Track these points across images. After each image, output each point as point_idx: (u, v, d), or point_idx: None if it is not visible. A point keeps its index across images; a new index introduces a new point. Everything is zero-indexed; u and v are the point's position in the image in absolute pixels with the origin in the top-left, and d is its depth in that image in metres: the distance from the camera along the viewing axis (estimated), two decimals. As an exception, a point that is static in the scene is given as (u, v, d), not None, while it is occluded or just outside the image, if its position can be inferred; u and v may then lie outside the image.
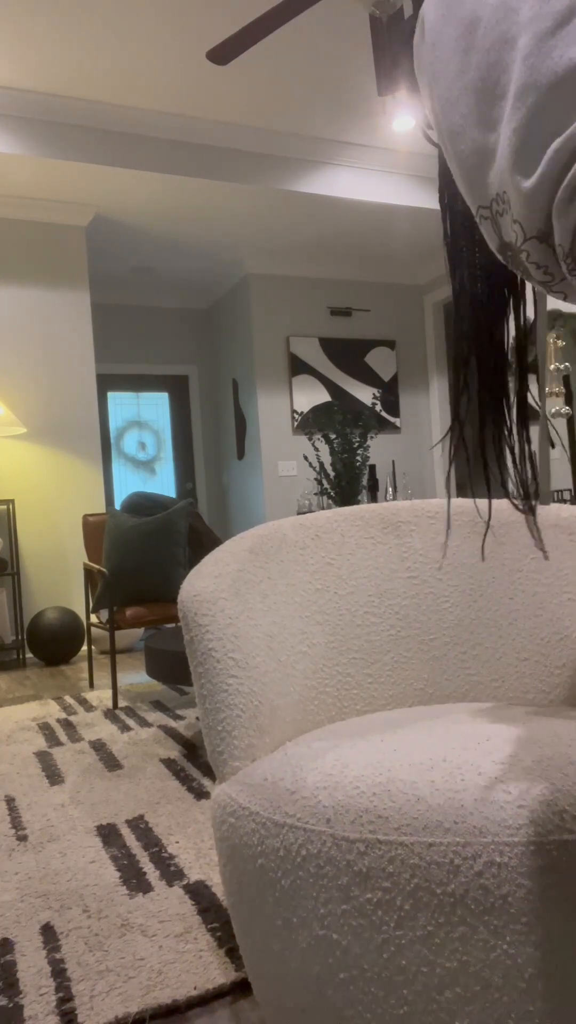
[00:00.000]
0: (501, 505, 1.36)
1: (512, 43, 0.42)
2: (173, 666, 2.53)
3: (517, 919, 0.69)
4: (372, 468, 6.11)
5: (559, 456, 6.19)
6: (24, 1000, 1.17)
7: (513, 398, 0.64)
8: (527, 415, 0.66)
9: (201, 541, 3.58)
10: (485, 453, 0.64)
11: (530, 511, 0.67)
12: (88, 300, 4.83)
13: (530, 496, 0.67)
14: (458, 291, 0.62)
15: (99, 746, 2.57)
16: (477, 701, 1.26)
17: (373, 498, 6.11)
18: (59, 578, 4.70)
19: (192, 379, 6.74)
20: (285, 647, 1.15)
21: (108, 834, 1.80)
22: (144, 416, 6.59)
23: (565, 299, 0.50)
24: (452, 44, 0.47)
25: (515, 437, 0.62)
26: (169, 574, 3.31)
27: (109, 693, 3.41)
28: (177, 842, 1.72)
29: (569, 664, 1.21)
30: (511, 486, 0.64)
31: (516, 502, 0.69)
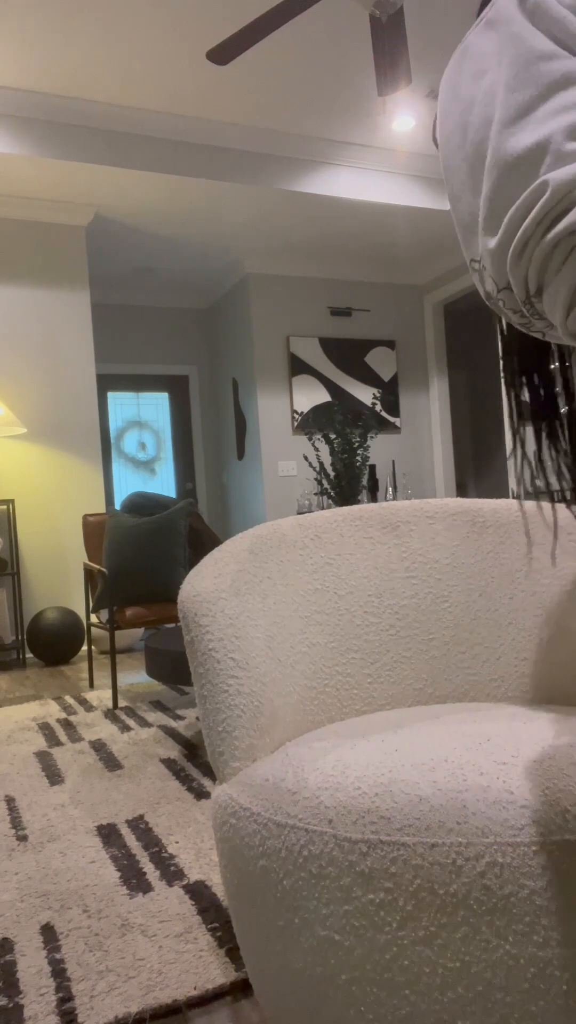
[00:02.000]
0: (500, 506, 1.36)
1: (491, 124, 0.50)
2: (173, 666, 2.53)
3: (520, 919, 0.69)
4: (372, 468, 6.11)
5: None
6: (24, 1000, 1.16)
7: (564, 415, 0.70)
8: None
9: (201, 541, 3.57)
10: (545, 468, 0.69)
11: None
12: (88, 300, 4.83)
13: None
14: (505, 330, 0.70)
15: (99, 746, 2.56)
16: (477, 701, 1.26)
17: (373, 498, 6.11)
18: (59, 578, 4.70)
19: (192, 379, 6.74)
20: (285, 647, 1.15)
21: (108, 834, 1.80)
22: (144, 416, 6.59)
23: (544, 338, 0.56)
24: (455, 120, 0.55)
25: (570, 452, 0.67)
26: (169, 574, 3.31)
27: (109, 693, 3.41)
28: (177, 842, 1.72)
29: (569, 664, 1.21)
30: (568, 495, 0.69)
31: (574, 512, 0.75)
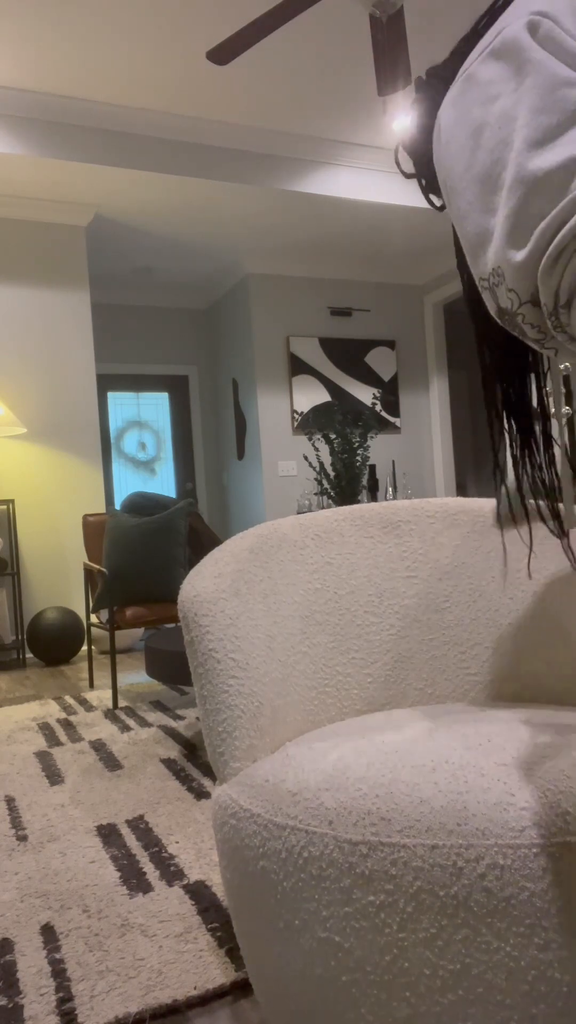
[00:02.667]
0: (504, 516, 1.36)
1: (510, 145, 0.53)
2: (173, 666, 2.53)
3: (520, 921, 0.69)
4: (372, 468, 6.11)
5: (559, 456, 6.15)
6: (24, 1000, 1.16)
7: (540, 442, 0.74)
8: (553, 456, 0.75)
9: (201, 541, 3.57)
10: (521, 488, 0.73)
11: (563, 535, 0.78)
12: (88, 300, 4.82)
13: (562, 522, 0.78)
14: (486, 362, 0.73)
15: (99, 746, 2.56)
16: (477, 701, 1.26)
17: (373, 498, 6.11)
18: (59, 578, 4.70)
19: (192, 379, 6.74)
20: (285, 647, 1.15)
21: (108, 834, 1.80)
22: (144, 416, 6.59)
23: (556, 355, 0.59)
24: (462, 143, 0.57)
25: (545, 474, 0.70)
26: (169, 574, 3.30)
27: (109, 693, 3.41)
28: (177, 842, 1.72)
29: (569, 664, 1.21)
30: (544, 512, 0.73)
31: (551, 528, 0.78)
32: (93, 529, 3.60)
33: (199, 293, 6.62)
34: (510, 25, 0.53)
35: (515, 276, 0.53)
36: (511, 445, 0.73)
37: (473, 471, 7.86)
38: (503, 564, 1.30)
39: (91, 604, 3.76)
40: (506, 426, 0.73)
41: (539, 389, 0.74)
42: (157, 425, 6.64)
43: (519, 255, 0.52)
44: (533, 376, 0.74)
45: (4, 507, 4.54)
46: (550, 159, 0.50)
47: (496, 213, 0.54)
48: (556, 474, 0.73)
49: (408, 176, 0.81)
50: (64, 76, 3.92)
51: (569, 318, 0.52)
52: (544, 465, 0.73)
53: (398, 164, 0.73)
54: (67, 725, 2.88)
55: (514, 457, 0.72)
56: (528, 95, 0.51)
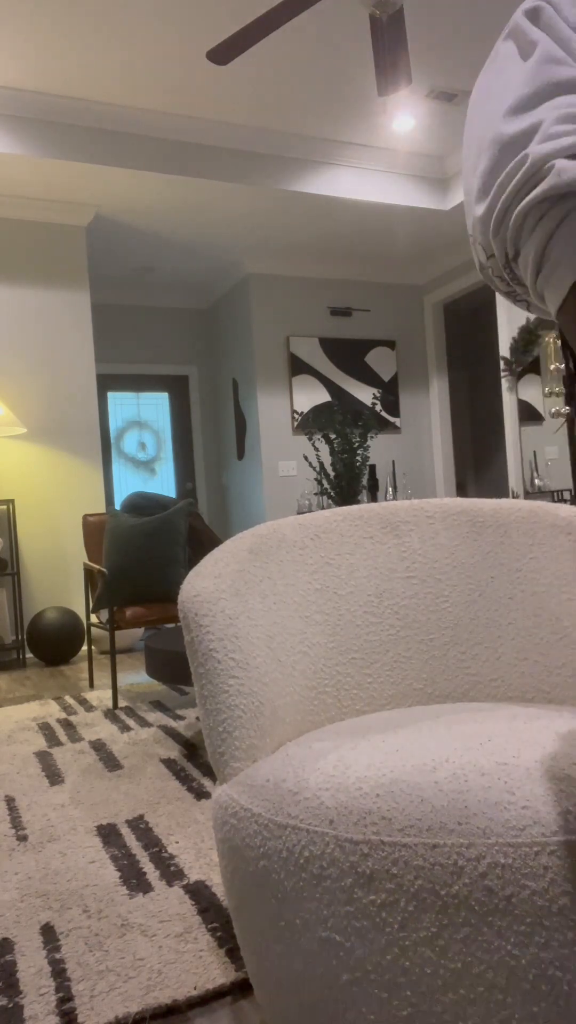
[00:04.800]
0: (500, 506, 1.36)
1: (497, 112, 0.57)
2: (173, 666, 2.53)
3: (521, 920, 0.69)
4: (372, 468, 6.11)
5: (558, 456, 6.18)
6: (24, 1000, 1.16)
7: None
8: None
9: (201, 541, 3.57)
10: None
11: None
12: (88, 300, 4.82)
13: None
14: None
15: (99, 746, 2.56)
16: (477, 701, 1.26)
17: (373, 498, 6.11)
18: (59, 578, 4.70)
19: (192, 379, 6.74)
20: (285, 647, 1.15)
21: (108, 834, 1.80)
22: (144, 416, 6.59)
23: (528, 309, 0.60)
24: (478, 109, 0.61)
25: None
26: (169, 574, 3.30)
27: (109, 693, 3.41)
28: (177, 842, 1.72)
29: (569, 664, 1.21)
30: None
31: None
32: (93, 529, 3.60)
33: (199, 293, 6.62)
34: (517, 10, 0.58)
35: (477, 230, 0.57)
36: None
37: (473, 471, 7.87)
38: (502, 564, 1.30)
39: (91, 604, 3.76)
40: None
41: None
42: (157, 425, 6.64)
43: (480, 209, 0.56)
44: None
45: (4, 507, 4.54)
46: (518, 124, 0.53)
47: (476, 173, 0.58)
48: None
49: None
50: (64, 76, 3.92)
51: (519, 270, 0.55)
52: None
53: None
54: (67, 725, 2.88)
55: None
56: (521, 71, 0.55)
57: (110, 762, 2.37)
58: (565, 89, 0.52)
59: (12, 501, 4.39)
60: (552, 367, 5.14)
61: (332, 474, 5.69)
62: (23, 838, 1.82)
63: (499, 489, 7.48)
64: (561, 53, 0.54)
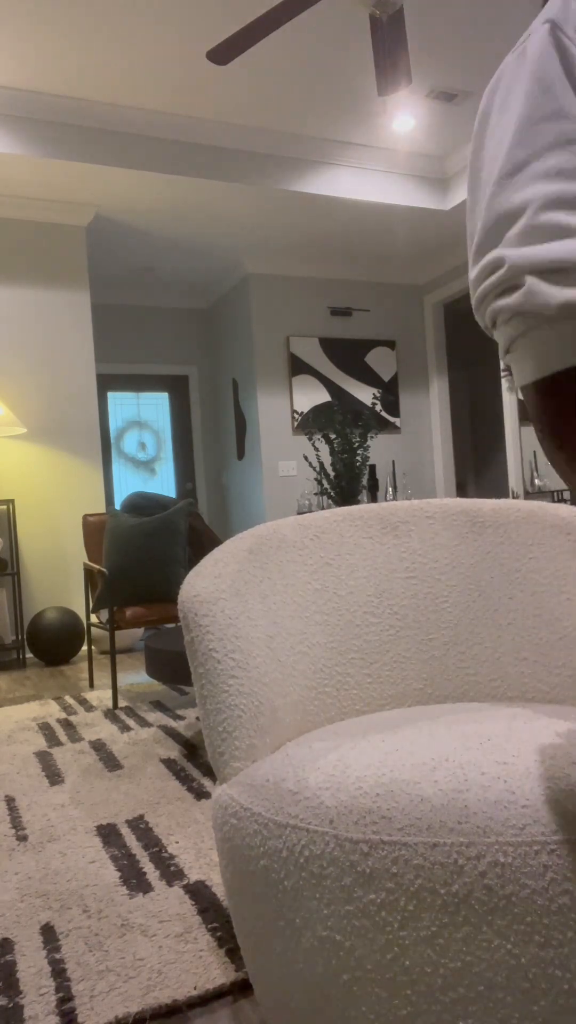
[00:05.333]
0: (500, 506, 1.36)
1: (495, 171, 0.58)
2: (173, 666, 2.53)
3: (521, 919, 0.69)
4: (372, 468, 6.11)
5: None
6: (24, 1000, 1.16)
7: None
8: None
9: (201, 541, 3.57)
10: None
11: None
12: (88, 300, 4.82)
13: None
14: None
15: (99, 746, 2.56)
16: (477, 701, 1.26)
17: (373, 498, 6.11)
18: (59, 578, 4.70)
19: (192, 379, 6.74)
20: (285, 647, 1.15)
21: (108, 834, 1.80)
22: (144, 416, 6.59)
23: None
24: (483, 142, 0.62)
25: None
26: (169, 574, 3.30)
27: (109, 693, 3.41)
28: (177, 842, 1.72)
29: (569, 664, 1.21)
30: None
31: None
32: (93, 529, 3.60)
33: (199, 293, 6.62)
34: (541, 23, 0.57)
35: (471, 285, 0.61)
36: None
37: (473, 471, 7.87)
38: (502, 564, 1.30)
39: (91, 604, 3.76)
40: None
41: None
42: (157, 425, 6.64)
43: (471, 272, 0.59)
44: None
45: (4, 507, 4.54)
46: (509, 200, 0.55)
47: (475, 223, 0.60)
48: None
49: None
50: (64, 76, 3.92)
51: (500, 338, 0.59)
52: None
53: None
54: (67, 725, 2.88)
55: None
56: (514, 122, 0.55)
57: (110, 762, 2.37)
58: (555, 146, 0.53)
59: (12, 501, 4.39)
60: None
61: (332, 474, 5.69)
62: (23, 838, 1.82)
63: (499, 489, 7.48)
64: (557, 103, 0.54)
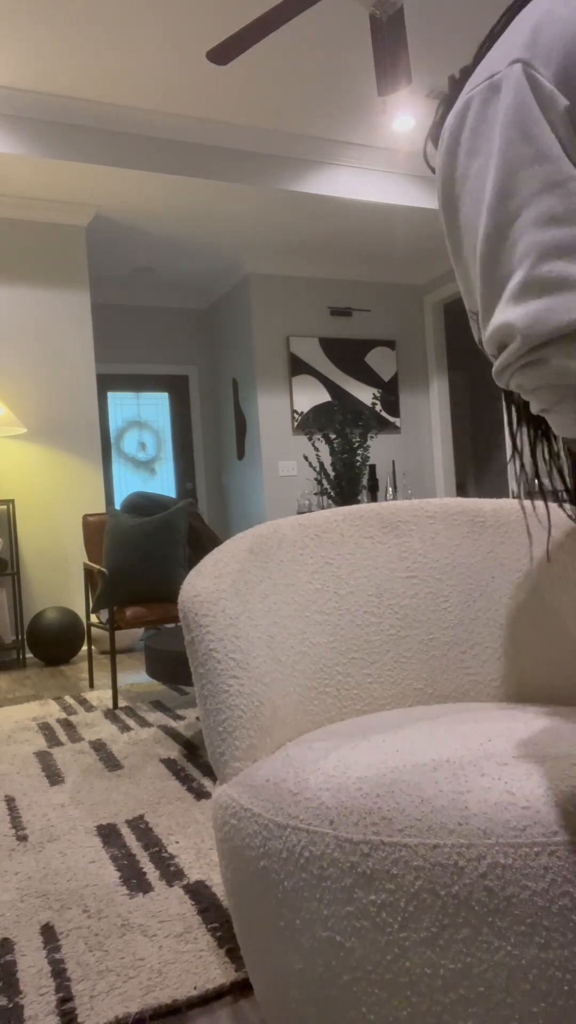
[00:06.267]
0: (500, 506, 1.36)
1: (481, 220, 0.55)
2: (173, 666, 2.53)
3: (521, 921, 0.69)
4: (372, 468, 6.11)
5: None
6: (24, 1000, 1.16)
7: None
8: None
9: (201, 541, 3.57)
10: (539, 473, 0.73)
11: None
12: (88, 300, 4.82)
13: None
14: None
15: (99, 746, 2.56)
16: (477, 701, 1.26)
17: (373, 498, 6.11)
18: (59, 578, 4.70)
19: (192, 379, 6.74)
20: (285, 647, 1.15)
21: (108, 834, 1.80)
22: (144, 416, 6.59)
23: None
24: (453, 177, 0.58)
25: (562, 457, 0.71)
26: (169, 574, 3.30)
27: (109, 693, 3.41)
28: (177, 842, 1.72)
29: (569, 664, 1.21)
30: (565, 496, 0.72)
31: (569, 513, 0.81)
32: (93, 529, 3.60)
33: (199, 293, 6.62)
34: (506, 76, 0.53)
35: (479, 332, 0.58)
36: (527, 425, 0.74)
37: (473, 471, 7.86)
38: (503, 564, 1.30)
39: (91, 604, 3.76)
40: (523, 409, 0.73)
41: None
42: (157, 425, 6.64)
43: (484, 334, 0.56)
44: None
45: (4, 507, 4.54)
46: (505, 266, 0.52)
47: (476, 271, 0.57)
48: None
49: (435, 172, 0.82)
50: (64, 76, 3.92)
51: (530, 402, 0.56)
52: (560, 451, 0.73)
53: (426, 159, 0.73)
54: (67, 725, 2.88)
55: (531, 437, 0.73)
56: (494, 172, 0.52)
57: (110, 762, 2.37)
58: (541, 191, 0.50)
59: (12, 501, 4.39)
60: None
61: (332, 474, 5.69)
62: (23, 838, 1.82)
63: (499, 489, 7.48)
64: (532, 148, 0.51)
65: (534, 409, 0.56)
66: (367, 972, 0.75)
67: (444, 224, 0.60)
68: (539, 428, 0.72)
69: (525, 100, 0.51)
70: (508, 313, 0.51)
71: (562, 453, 0.72)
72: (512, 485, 5.36)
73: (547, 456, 0.72)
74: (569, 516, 0.79)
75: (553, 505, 1.30)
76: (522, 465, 0.74)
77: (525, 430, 0.72)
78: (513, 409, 0.72)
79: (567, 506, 0.79)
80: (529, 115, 0.51)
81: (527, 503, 1.34)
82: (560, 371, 0.49)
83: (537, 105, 0.50)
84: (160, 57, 3.79)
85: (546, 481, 0.74)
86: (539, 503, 1.32)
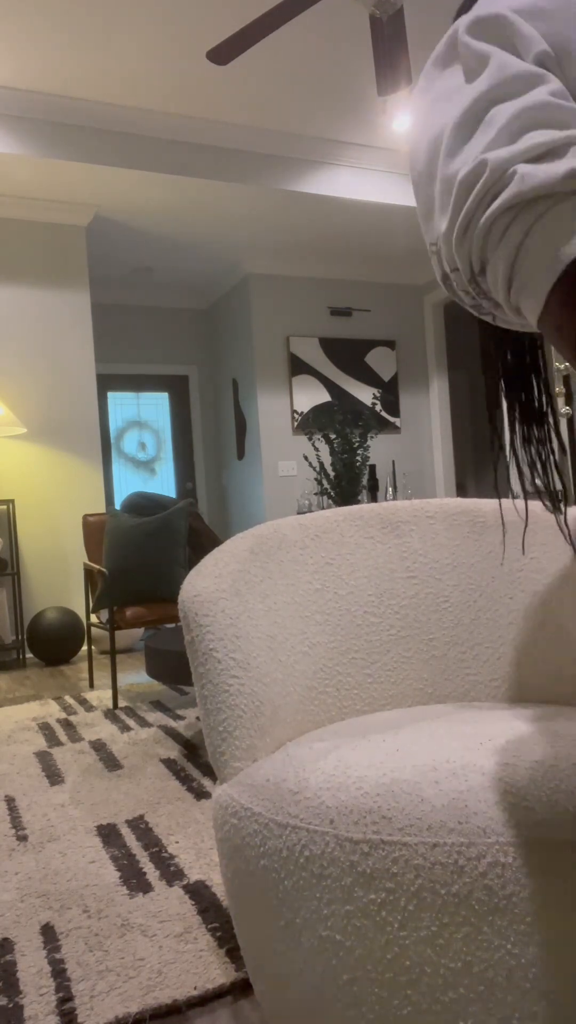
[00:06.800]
0: (504, 505, 1.36)
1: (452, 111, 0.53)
2: (173, 666, 2.53)
3: (521, 919, 0.69)
4: (372, 468, 6.11)
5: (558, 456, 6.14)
6: (24, 1000, 1.16)
7: (544, 408, 0.71)
8: (552, 423, 0.72)
9: (201, 541, 3.57)
10: (518, 460, 0.69)
11: (558, 510, 0.75)
12: (88, 300, 4.82)
13: (558, 498, 0.73)
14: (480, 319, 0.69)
15: (99, 746, 2.56)
16: (477, 701, 1.26)
17: (373, 498, 6.11)
18: (59, 578, 4.70)
19: (192, 379, 6.74)
20: (285, 647, 1.15)
21: (108, 834, 1.80)
22: (144, 416, 6.59)
23: (494, 321, 0.57)
24: (425, 106, 0.57)
25: (542, 445, 0.68)
26: (169, 574, 3.30)
27: (109, 693, 3.41)
28: (177, 842, 1.72)
29: (569, 664, 1.21)
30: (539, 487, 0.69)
31: (546, 503, 0.75)
32: (93, 529, 3.60)
33: (199, 293, 6.62)
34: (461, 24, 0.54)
35: (443, 244, 0.54)
36: (509, 420, 0.71)
37: (473, 471, 7.86)
38: (503, 564, 1.30)
39: (91, 604, 3.76)
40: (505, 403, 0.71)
41: (538, 371, 0.72)
42: (157, 425, 6.64)
43: (444, 223, 0.52)
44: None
45: (4, 507, 4.54)
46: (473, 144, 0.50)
47: (435, 179, 0.54)
48: (553, 450, 0.71)
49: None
50: (64, 76, 3.92)
51: (487, 284, 0.52)
52: (547, 438, 0.71)
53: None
54: (67, 725, 2.88)
55: (511, 429, 0.70)
56: (457, 107, 0.52)
57: (110, 762, 2.37)
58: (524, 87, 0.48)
59: (12, 501, 4.39)
60: (555, 366, 5.14)
61: (332, 474, 5.69)
62: (23, 838, 1.82)
63: (499, 489, 7.48)
64: (485, 83, 0.50)
65: (503, 291, 0.51)
66: (367, 971, 0.75)
67: (415, 159, 0.57)
68: (525, 423, 0.70)
69: (503, 25, 0.51)
70: (481, 156, 0.48)
71: (549, 443, 0.71)
72: (515, 485, 5.36)
73: (532, 453, 0.70)
74: (547, 507, 0.77)
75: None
76: (500, 448, 0.72)
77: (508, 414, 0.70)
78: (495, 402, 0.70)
79: (546, 499, 0.76)
80: (497, 34, 0.51)
81: (505, 499, 1.34)
82: (530, 176, 0.46)
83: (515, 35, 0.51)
84: (160, 57, 3.80)
85: (527, 471, 0.72)
86: (519, 501, 1.32)
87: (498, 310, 0.54)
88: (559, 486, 0.73)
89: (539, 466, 0.70)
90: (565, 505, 0.82)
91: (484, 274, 0.51)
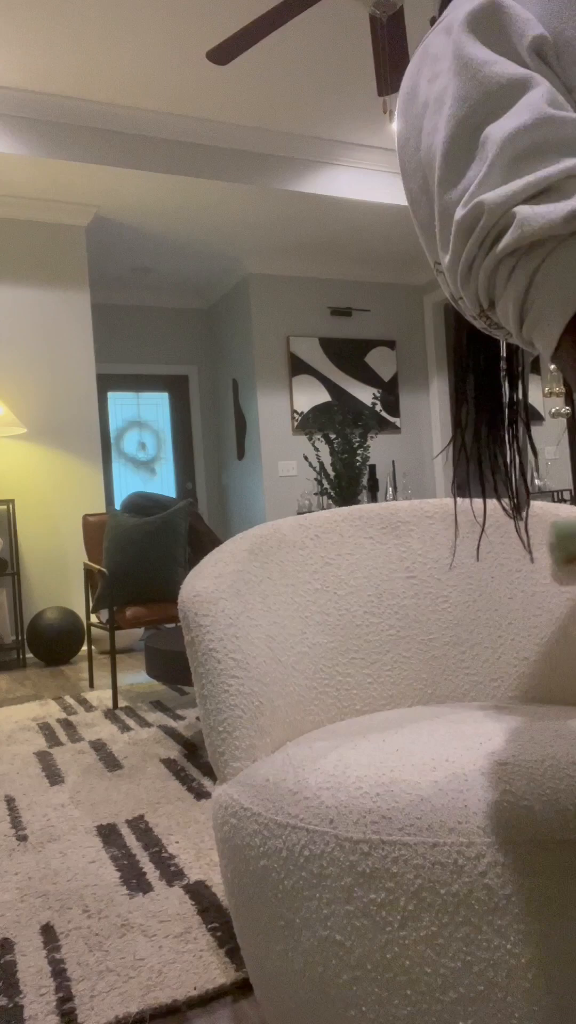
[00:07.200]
0: (485, 504, 1.36)
1: (439, 137, 0.51)
2: (173, 666, 2.53)
3: (521, 919, 0.69)
4: (372, 468, 6.11)
5: (558, 457, 6.18)
6: (24, 1000, 1.16)
7: (514, 403, 0.69)
8: (520, 421, 0.71)
9: (201, 541, 3.57)
10: (482, 460, 0.68)
11: (516, 516, 0.73)
12: (88, 300, 4.82)
13: (519, 502, 0.72)
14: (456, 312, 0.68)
15: (99, 746, 2.56)
16: (477, 701, 1.26)
17: (373, 498, 6.11)
18: (59, 578, 4.70)
19: (192, 379, 6.74)
20: (285, 647, 1.15)
21: (108, 834, 1.80)
22: (144, 416, 6.59)
23: (508, 339, 0.56)
24: (412, 122, 0.55)
25: (507, 446, 0.67)
26: (169, 574, 3.30)
27: (109, 693, 3.41)
28: (177, 842, 1.72)
29: (569, 664, 1.21)
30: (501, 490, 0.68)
31: (505, 507, 0.74)
32: (93, 529, 3.60)
33: (199, 293, 6.62)
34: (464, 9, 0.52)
35: (448, 276, 0.53)
36: (476, 421, 0.70)
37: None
38: (503, 564, 1.30)
39: (91, 604, 3.76)
40: (471, 404, 0.70)
41: (510, 370, 0.71)
42: (157, 425, 6.64)
43: (446, 258, 0.52)
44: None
45: (4, 507, 4.54)
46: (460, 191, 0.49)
47: (433, 200, 0.53)
48: (518, 452, 0.71)
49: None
50: (64, 76, 3.92)
51: (498, 316, 0.51)
52: (512, 440, 0.70)
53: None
54: (67, 725, 2.88)
55: (476, 432, 0.70)
56: (452, 87, 0.50)
57: (110, 762, 2.37)
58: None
59: (12, 501, 4.39)
60: (552, 367, 5.14)
61: (332, 474, 5.69)
62: (23, 838, 1.82)
63: (498, 489, 7.47)
64: (481, 54, 0.48)
65: (516, 328, 0.50)
66: (367, 971, 0.75)
67: (406, 167, 0.56)
68: (489, 418, 0.69)
69: (492, 18, 0.49)
70: (477, 199, 0.47)
71: (519, 444, 0.70)
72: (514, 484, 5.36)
73: (495, 449, 0.70)
74: (505, 511, 0.75)
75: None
76: (463, 448, 0.70)
77: (472, 412, 0.69)
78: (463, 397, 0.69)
79: (504, 500, 0.75)
80: (490, 28, 0.49)
81: (461, 499, 1.33)
82: (530, 219, 0.45)
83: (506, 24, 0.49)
84: (160, 57, 3.80)
85: (545, 481, 0.72)
86: (476, 500, 1.30)
87: (510, 337, 0.54)
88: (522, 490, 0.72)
89: (502, 470, 0.70)
90: (527, 512, 0.81)
91: (493, 309, 0.51)
